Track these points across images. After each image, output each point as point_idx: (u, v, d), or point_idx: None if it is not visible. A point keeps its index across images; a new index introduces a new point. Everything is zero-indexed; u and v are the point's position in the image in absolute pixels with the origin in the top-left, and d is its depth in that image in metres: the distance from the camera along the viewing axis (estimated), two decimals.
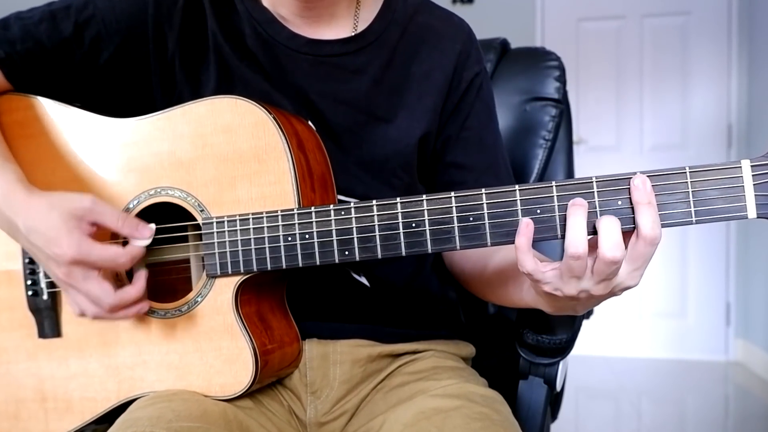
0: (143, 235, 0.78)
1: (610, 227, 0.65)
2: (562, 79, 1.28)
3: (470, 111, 0.96)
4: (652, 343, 3.93)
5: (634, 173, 0.66)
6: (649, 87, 3.90)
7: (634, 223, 0.66)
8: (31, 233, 0.77)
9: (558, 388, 1.00)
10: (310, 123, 0.87)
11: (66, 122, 0.88)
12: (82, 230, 0.76)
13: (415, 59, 0.93)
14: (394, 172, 0.92)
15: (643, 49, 3.90)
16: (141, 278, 0.79)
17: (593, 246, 0.66)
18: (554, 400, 1.10)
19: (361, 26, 0.93)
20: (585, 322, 1.03)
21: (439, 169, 0.96)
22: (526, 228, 0.67)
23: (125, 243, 0.79)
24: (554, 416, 1.15)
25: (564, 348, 0.95)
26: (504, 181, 0.96)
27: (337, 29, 0.92)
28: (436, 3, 1.00)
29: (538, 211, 0.69)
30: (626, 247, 0.66)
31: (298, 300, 0.88)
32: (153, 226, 0.79)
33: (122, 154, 0.85)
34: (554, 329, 0.95)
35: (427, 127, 0.93)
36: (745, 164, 0.65)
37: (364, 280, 0.91)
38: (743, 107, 3.75)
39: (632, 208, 0.66)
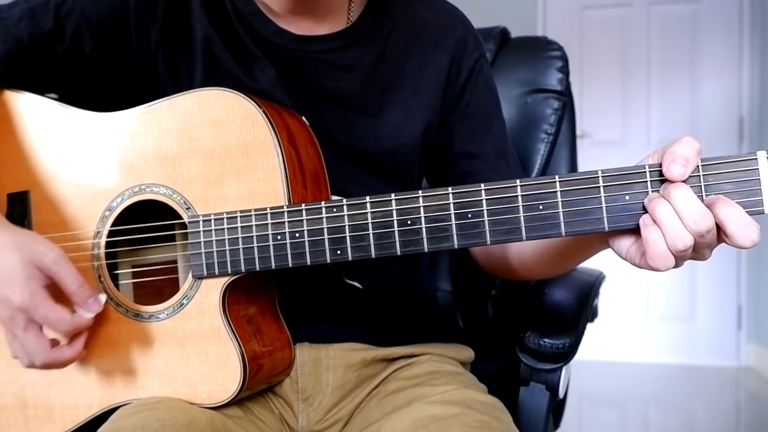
0: (90, 308, 0.80)
1: (683, 198, 0.63)
2: (565, 70, 1.29)
3: (473, 98, 0.96)
4: (660, 348, 3.95)
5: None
6: (656, 78, 3.92)
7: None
8: None
9: (561, 394, 1.01)
10: (304, 118, 0.88)
11: (46, 117, 0.89)
12: (39, 281, 0.77)
13: (408, 54, 0.94)
14: (389, 172, 0.93)
15: (650, 38, 3.91)
16: (80, 340, 0.81)
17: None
18: (557, 408, 1.10)
19: (354, 20, 0.93)
20: (589, 326, 1.03)
21: (449, 162, 0.96)
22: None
23: None
24: (557, 424, 1.15)
25: (567, 353, 0.95)
26: (515, 170, 0.98)
27: (330, 24, 0.92)
28: None
29: (541, 207, 0.68)
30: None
31: (288, 303, 0.89)
32: (103, 297, 0.81)
33: (105, 150, 0.85)
34: (557, 333, 0.96)
35: (423, 125, 0.93)
36: (761, 156, 0.64)
37: (356, 283, 0.92)
38: (755, 99, 3.77)
39: (640, 203, 0.66)
